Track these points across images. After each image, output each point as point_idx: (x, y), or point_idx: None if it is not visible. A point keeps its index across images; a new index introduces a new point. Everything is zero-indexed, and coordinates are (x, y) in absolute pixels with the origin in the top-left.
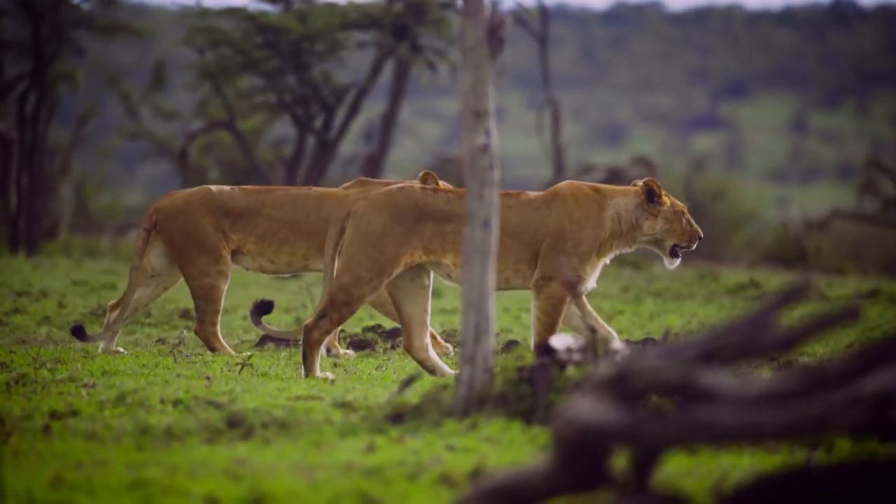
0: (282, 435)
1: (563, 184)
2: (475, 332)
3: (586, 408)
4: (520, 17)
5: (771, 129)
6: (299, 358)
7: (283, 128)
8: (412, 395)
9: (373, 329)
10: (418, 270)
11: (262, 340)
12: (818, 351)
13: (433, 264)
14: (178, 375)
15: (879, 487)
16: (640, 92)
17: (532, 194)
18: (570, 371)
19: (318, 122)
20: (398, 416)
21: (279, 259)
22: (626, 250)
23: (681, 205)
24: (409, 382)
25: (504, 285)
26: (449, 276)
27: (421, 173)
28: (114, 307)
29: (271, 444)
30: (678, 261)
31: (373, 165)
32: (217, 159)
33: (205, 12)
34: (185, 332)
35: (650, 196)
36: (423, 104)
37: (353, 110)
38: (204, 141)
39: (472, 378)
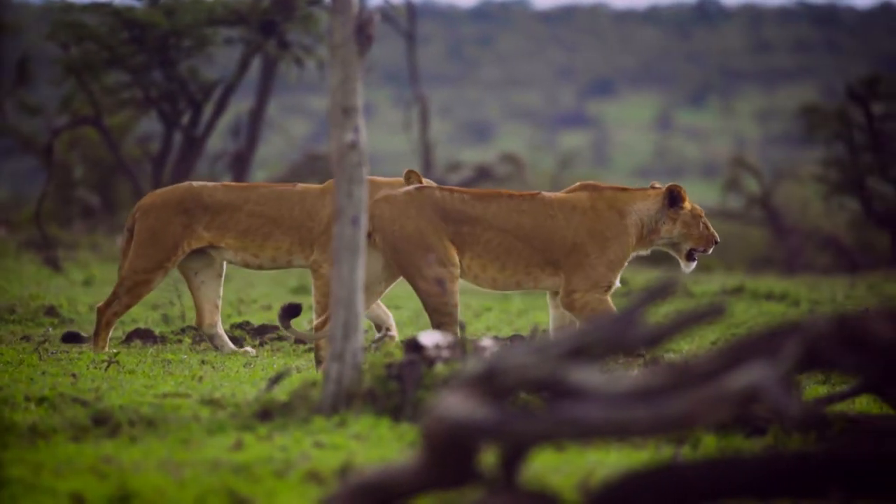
0: (149, 432)
1: (580, 188)
2: (344, 329)
3: (455, 405)
4: (388, 14)
5: (637, 127)
6: (166, 355)
7: (150, 124)
8: (280, 393)
9: (241, 326)
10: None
11: (129, 337)
12: (684, 347)
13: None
14: (44, 373)
15: (744, 482)
16: (508, 89)
17: (548, 196)
18: (439, 368)
19: (185, 119)
20: (266, 414)
21: (263, 254)
22: (643, 253)
23: (700, 209)
24: (277, 379)
25: (516, 288)
26: (464, 276)
27: (405, 171)
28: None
29: (138, 441)
30: (694, 264)
31: (241, 162)
32: (83, 155)
33: (69, 7)
34: (50, 329)
35: (673, 200)
36: (291, 100)
37: (221, 107)
38: (69, 137)
39: (341, 375)
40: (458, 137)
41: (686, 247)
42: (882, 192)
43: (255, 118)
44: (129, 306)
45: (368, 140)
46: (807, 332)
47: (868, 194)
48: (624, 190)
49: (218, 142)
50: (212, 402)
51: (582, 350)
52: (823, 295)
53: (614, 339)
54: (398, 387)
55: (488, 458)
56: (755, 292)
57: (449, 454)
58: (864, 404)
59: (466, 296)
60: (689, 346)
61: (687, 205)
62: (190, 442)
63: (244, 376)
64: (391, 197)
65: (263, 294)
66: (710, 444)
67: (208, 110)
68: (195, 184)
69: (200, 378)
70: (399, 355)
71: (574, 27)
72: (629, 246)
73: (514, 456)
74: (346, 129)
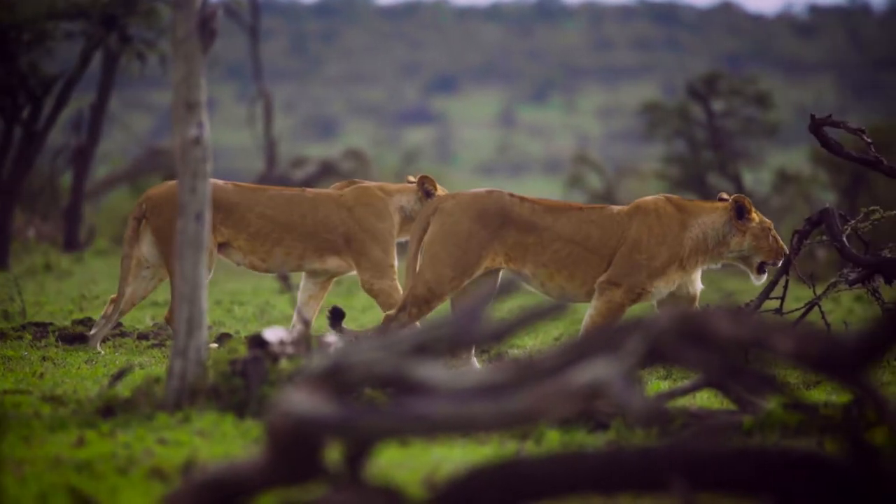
0: None
1: (648, 198)
2: (188, 325)
3: (300, 400)
4: (230, 8)
5: (480, 123)
6: (6, 351)
7: None
8: (123, 389)
9: (83, 322)
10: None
11: None
12: (528, 343)
13: (514, 273)
14: None
15: (588, 477)
16: (352, 85)
17: (616, 208)
18: (284, 364)
19: (24, 113)
20: (109, 410)
21: (271, 259)
22: (713, 266)
23: (768, 221)
24: (119, 376)
25: (585, 298)
26: (529, 285)
27: (418, 176)
28: (115, 300)
29: None
30: (764, 276)
31: (82, 157)
32: None
33: None
34: None
35: (740, 212)
36: (133, 95)
37: (62, 101)
38: None
39: (185, 371)
40: (302, 133)
41: (756, 260)
42: (722, 188)
43: (97, 113)
44: None
45: (212, 135)
46: (649, 328)
47: (708, 191)
48: (691, 202)
49: (59, 136)
50: (53, 399)
51: (426, 346)
52: None
53: (458, 335)
54: (242, 383)
55: (333, 454)
56: None
57: (293, 450)
58: (705, 399)
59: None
60: (533, 342)
61: (755, 217)
62: (31, 439)
63: (86, 373)
64: (458, 194)
65: (105, 290)
66: (553, 439)
67: (49, 105)
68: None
69: (41, 375)
70: (243, 351)
71: (417, 23)
72: (677, 257)
73: (359, 452)
74: (189, 125)
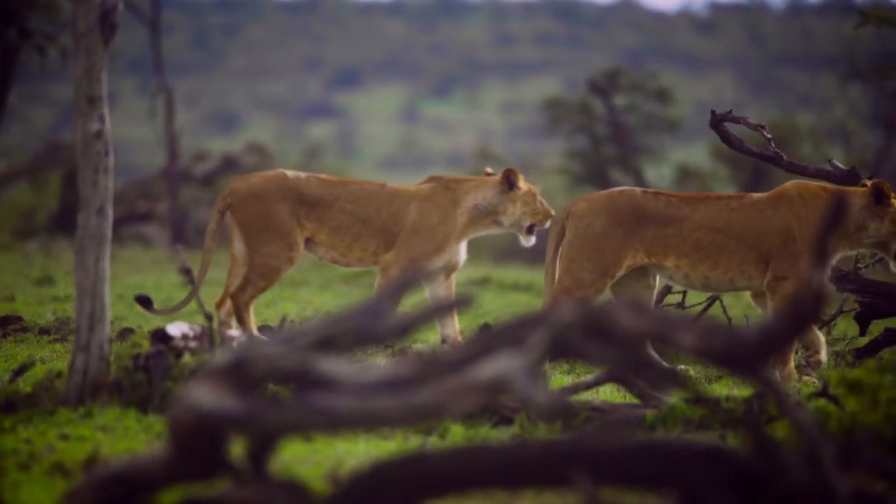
0: None
1: (790, 184)
2: (90, 320)
3: (203, 395)
4: (131, 2)
5: (383, 118)
6: None
7: None
8: (25, 384)
9: None
10: (643, 271)
11: None
12: (432, 338)
13: (656, 267)
14: None
15: (492, 471)
16: (255, 79)
17: (756, 196)
18: (187, 358)
19: None
20: (10, 405)
21: (350, 254)
22: (850, 252)
23: None
24: (20, 371)
25: (729, 286)
26: (671, 279)
27: (504, 169)
28: (219, 303)
29: None
30: None
31: None
32: None
33: None
34: None
35: (878, 197)
36: (33, 89)
37: None
38: None
39: (87, 366)
40: (204, 127)
41: (895, 245)
42: (623, 183)
43: None
44: (263, 289)
45: (113, 129)
46: (553, 322)
47: (610, 185)
48: (829, 186)
49: None
50: None
51: (330, 340)
52: None
53: (363, 329)
54: (145, 378)
55: (237, 449)
56: (501, 283)
57: (196, 445)
58: (608, 393)
59: (209, 287)
60: (438, 337)
61: (895, 202)
62: None
63: None
64: (591, 196)
65: (5, 285)
66: (457, 433)
67: None
68: (289, 173)
69: None
70: (146, 346)
71: (319, 18)
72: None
73: (262, 447)
74: (90, 119)
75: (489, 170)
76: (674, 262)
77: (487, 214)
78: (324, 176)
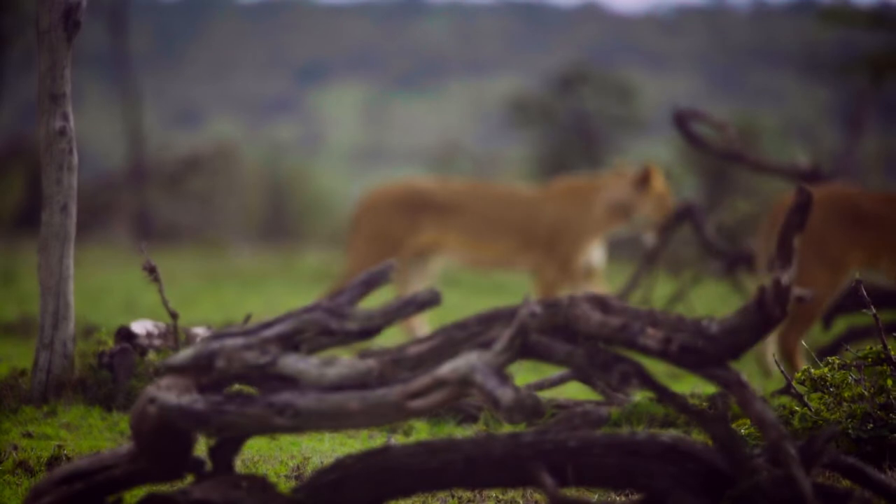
0: None
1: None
2: (54, 318)
3: (167, 393)
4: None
5: (347, 115)
6: None
7: None
8: None
9: None
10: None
11: None
12: (399, 336)
13: (871, 267)
14: None
15: (458, 469)
16: (218, 76)
17: None
18: (152, 356)
19: None
20: None
21: (484, 255)
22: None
23: None
24: None
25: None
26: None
27: (644, 166)
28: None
29: None
30: None
31: None
32: None
33: None
34: None
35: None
36: None
37: None
38: None
39: (51, 364)
40: (168, 124)
41: None
42: None
43: None
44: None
45: (77, 127)
46: (517, 319)
47: None
48: None
49: None
50: None
51: (294, 338)
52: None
53: (327, 326)
54: (110, 375)
55: (201, 447)
56: (468, 281)
57: (161, 443)
58: (573, 391)
59: (175, 283)
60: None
61: None
62: None
63: None
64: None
65: None
66: (422, 431)
67: None
68: (417, 181)
69: None
70: (110, 343)
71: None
72: None
73: (227, 445)
74: (54, 116)
75: (621, 167)
76: (886, 264)
77: (621, 212)
78: (450, 180)
